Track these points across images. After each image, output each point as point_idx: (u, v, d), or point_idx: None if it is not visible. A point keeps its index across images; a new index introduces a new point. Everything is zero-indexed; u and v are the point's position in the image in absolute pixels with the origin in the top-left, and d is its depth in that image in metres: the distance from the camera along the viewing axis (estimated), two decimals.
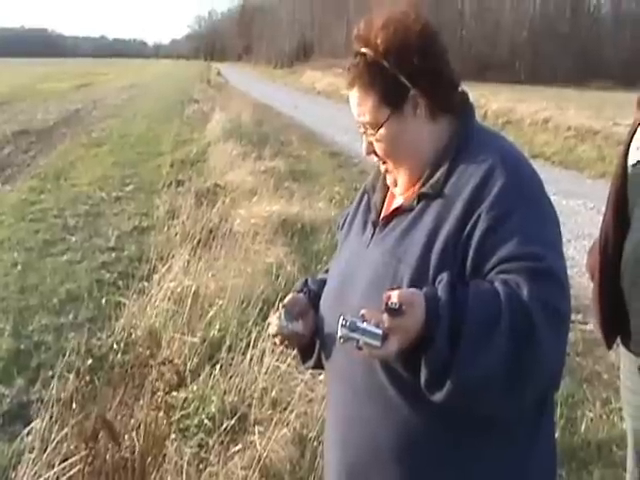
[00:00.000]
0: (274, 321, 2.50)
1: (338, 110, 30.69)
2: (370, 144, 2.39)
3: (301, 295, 2.60)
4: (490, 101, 31.47)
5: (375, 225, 2.42)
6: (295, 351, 2.73)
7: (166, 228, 10.97)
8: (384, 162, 2.40)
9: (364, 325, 2.03)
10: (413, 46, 2.27)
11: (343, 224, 2.66)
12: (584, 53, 71.77)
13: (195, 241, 9.14)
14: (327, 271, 2.70)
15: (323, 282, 2.62)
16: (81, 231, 11.84)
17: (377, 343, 2.03)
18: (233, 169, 15.31)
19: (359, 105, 2.35)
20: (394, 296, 2.03)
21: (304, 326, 2.50)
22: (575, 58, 70.56)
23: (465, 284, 2.11)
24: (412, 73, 2.27)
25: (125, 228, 11.99)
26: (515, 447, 2.25)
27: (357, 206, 2.61)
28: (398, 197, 2.43)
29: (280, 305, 2.52)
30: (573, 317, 7.07)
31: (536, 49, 75.20)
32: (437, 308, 2.05)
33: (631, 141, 3.55)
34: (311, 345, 2.57)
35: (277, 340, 2.54)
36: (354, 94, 2.36)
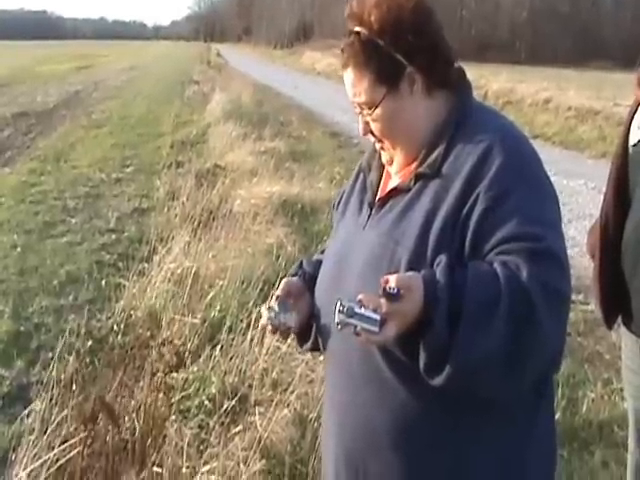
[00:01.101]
0: (264, 312, 2.46)
1: (338, 91, 30.56)
2: (367, 124, 2.35)
3: (295, 279, 2.57)
4: (490, 81, 31.46)
5: (371, 206, 2.39)
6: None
7: (166, 209, 10.95)
8: (380, 141, 2.37)
9: (361, 310, 2.01)
10: (407, 23, 2.24)
11: (339, 203, 2.63)
12: (584, 33, 71.67)
13: (195, 222, 9.13)
14: (323, 252, 2.67)
15: (319, 263, 2.59)
16: (81, 213, 11.84)
17: (375, 329, 2.00)
18: (233, 150, 15.30)
19: (354, 85, 2.32)
20: (392, 281, 2.01)
21: (297, 316, 2.46)
22: (575, 38, 70.49)
23: (464, 266, 2.09)
24: (408, 50, 2.24)
25: (125, 209, 12.00)
26: (514, 429, 2.23)
27: (353, 185, 2.58)
28: (394, 176, 2.40)
29: (274, 295, 2.48)
30: (574, 297, 7.08)
31: (536, 29, 75.06)
32: (435, 291, 2.03)
33: (632, 121, 3.53)
34: (308, 328, 2.54)
35: (268, 331, 2.50)
36: (349, 74, 2.32)
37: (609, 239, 3.56)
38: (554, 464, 2.42)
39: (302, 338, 2.62)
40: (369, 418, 2.29)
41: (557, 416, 5.18)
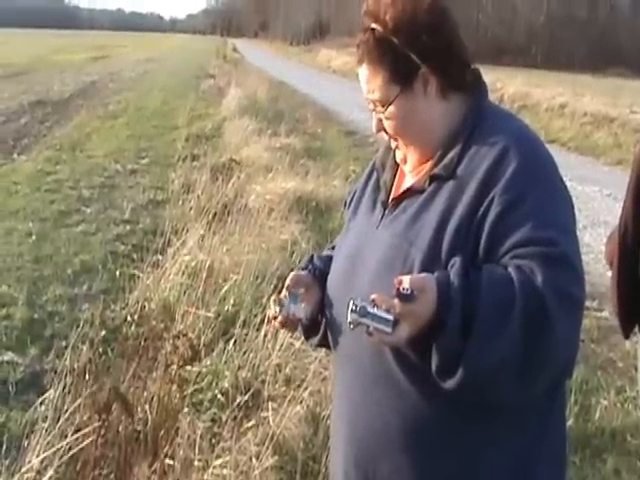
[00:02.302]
0: (272, 305, 2.46)
1: (353, 89, 30.55)
2: (380, 121, 2.35)
3: (305, 273, 2.55)
4: (506, 85, 31.36)
5: (385, 206, 2.38)
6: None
7: (181, 202, 10.95)
8: (394, 139, 2.37)
9: (374, 310, 2.01)
10: (422, 23, 2.24)
11: (350, 202, 2.61)
12: (601, 39, 71.38)
13: (210, 216, 9.13)
14: (333, 248, 2.66)
15: (329, 259, 2.58)
16: (96, 203, 11.86)
17: (388, 329, 2.00)
18: (248, 145, 15.28)
19: (368, 82, 2.32)
20: (406, 281, 2.01)
21: (307, 308, 2.45)
22: (592, 44, 70.20)
23: (478, 269, 2.08)
24: (422, 50, 2.24)
25: (140, 201, 12.02)
26: (526, 434, 2.22)
27: (365, 184, 2.57)
28: (408, 176, 2.39)
29: (284, 287, 2.47)
30: (588, 304, 7.06)
31: (553, 34, 74.81)
32: (449, 293, 2.02)
33: None
34: (315, 322, 2.54)
35: (277, 323, 2.49)
36: (363, 71, 2.32)
37: (628, 247, 3.55)
38: (565, 470, 2.41)
39: (310, 332, 2.60)
40: (380, 418, 2.28)
41: (570, 423, 5.18)
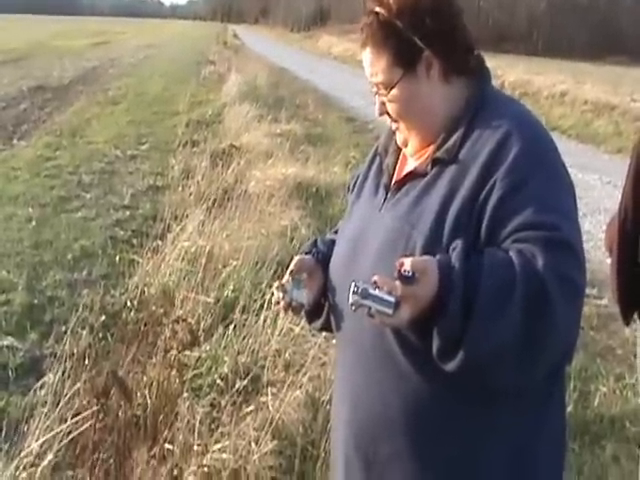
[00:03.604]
0: (275, 291, 2.47)
1: (354, 76, 30.66)
2: (383, 104, 2.35)
3: (309, 257, 2.56)
4: (507, 72, 31.37)
5: (387, 189, 2.39)
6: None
7: (181, 188, 10.97)
8: (396, 122, 2.37)
9: (376, 292, 2.01)
10: (426, 6, 2.25)
11: (353, 186, 2.62)
12: (602, 27, 71.23)
13: (210, 201, 9.15)
14: (336, 232, 2.66)
15: (333, 243, 2.59)
16: (96, 188, 11.86)
17: (389, 311, 2.00)
18: (249, 131, 15.28)
19: (372, 65, 2.32)
20: (407, 263, 2.01)
21: (309, 294, 2.46)
22: (593, 31, 70.07)
23: (479, 252, 2.09)
24: (425, 34, 2.24)
25: (140, 187, 12.02)
26: (525, 419, 2.23)
27: (368, 168, 2.57)
28: (410, 160, 2.39)
29: (287, 272, 2.48)
30: (588, 291, 7.06)
31: (554, 21, 74.64)
32: (451, 276, 2.02)
33: None
34: (319, 306, 2.54)
35: (280, 307, 2.50)
36: (367, 54, 2.33)
37: (628, 234, 3.55)
38: (564, 455, 2.42)
39: (313, 316, 2.61)
40: (380, 401, 2.29)
41: (569, 409, 5.17)
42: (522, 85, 29.28)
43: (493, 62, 24.80)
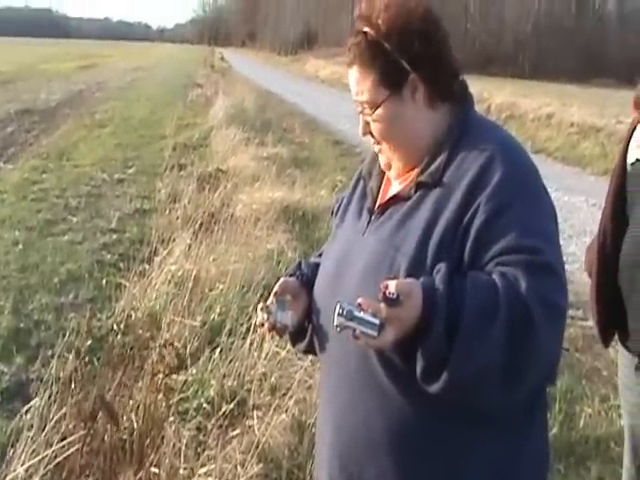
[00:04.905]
0: (260, 312, 2.47)
1: (341, 99, 30.71)
2: (367, 124, 2.37)
3: (292, 279, 2.57)
4: (493, 95, 31.39)
5: (371, 212, 2.41)
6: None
7: (168, 211, 10.94)
8: (379, 143, 2.39)
9: (361, 314, 2.03)
10: (415, 30, 2.27)
11: (338, 209, 2.64)
12: (588, 50, 71.48)
13: (196, 225, 9.13)
14: (321, 255, 2.67)
15: (317, 266, 2.60)
16: (82, 212, 11.84)
17: (374, 333, 2.03)
18: (235, 154, 15.29)
19: (358, 83, 2.34)
20: (392, 286, 2.03)
21: (293, 315, 2.47)
22: (579, 54, 70.28)
23: (463, 275, 2.11)
24: (413, 57, 2.27)
25: (127, 210, 12.00)
26: (508, 440, 2.25)
27: (352, 192, 2.59)
28: (394, 183, 2.41)
29: (272, 294, 2.49)
30: (573, 313, 7.09)
31: (540, 44, 74.92)
32: (434, 298, 2.05)
33: (630, 140, 3.56)
34: (303, 328, 2.55)
35: (264, 329, 2.50)
36: (354, 72, 2.35)
37: (607, 257, 3.58)
38: (546, 475, 2.43)
39: (297, 338, 2.62)
40: (365, 422, 2.30)
41: (554, 431, 5.21)
42: (509, 107, 29.30)
43: (480, 85, 24.95)
